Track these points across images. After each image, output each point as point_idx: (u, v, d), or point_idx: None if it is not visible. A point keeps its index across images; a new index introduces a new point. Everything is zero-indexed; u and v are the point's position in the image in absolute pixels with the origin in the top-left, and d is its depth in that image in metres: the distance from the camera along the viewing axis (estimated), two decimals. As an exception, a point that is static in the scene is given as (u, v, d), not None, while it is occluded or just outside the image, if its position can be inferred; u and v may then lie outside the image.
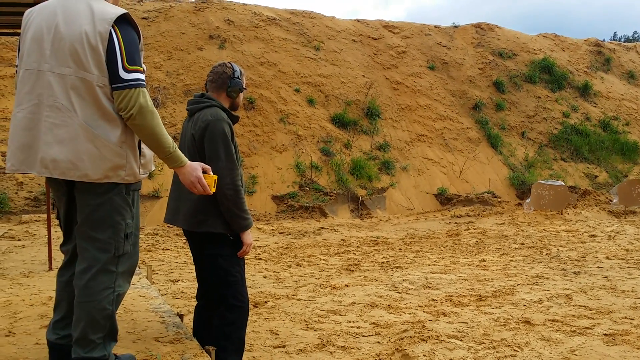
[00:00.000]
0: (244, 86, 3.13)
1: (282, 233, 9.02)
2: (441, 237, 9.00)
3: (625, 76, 19.15)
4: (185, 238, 3.74)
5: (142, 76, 2.34)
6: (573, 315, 4.81)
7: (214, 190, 2.61)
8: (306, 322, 4.56)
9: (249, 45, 14.17)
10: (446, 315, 4.77)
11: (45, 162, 2.30)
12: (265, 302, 5.12)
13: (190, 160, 2.54)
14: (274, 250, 7.79)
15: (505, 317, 4.71)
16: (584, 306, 5.11)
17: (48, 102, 2.30)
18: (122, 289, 2.45)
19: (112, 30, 2.28)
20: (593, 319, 4.71)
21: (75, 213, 2.45)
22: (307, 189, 11.04)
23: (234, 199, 2.88)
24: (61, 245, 2.59)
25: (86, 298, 2.36)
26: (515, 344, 4.10)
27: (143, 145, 2.44)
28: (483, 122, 14.47)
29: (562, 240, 8.68)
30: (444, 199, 11.66)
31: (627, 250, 7.95)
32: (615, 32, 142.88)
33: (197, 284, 3.28)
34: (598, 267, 6.81)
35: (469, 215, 10.71)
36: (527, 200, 11.11)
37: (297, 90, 13.42)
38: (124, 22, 2.33)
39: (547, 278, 6.16)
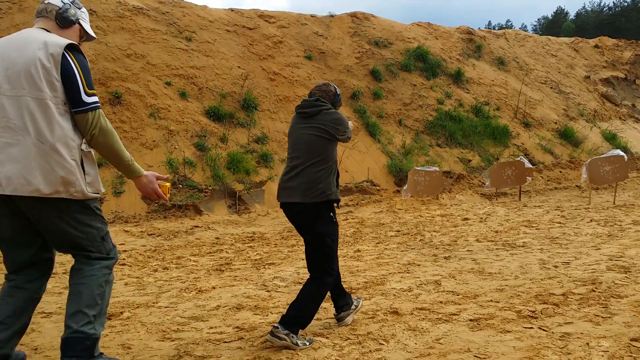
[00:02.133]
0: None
1: (151, 235, 8.57)
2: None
3: (495, 62, 20.18)
4: None
5: (97, 99, 2.69)
6: (441, 302, 4.85)
7: (168, 196, 2.97)
8: (164, 332, 4.26)
9: (113, 37, 13.41)
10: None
11: (0, 181, 2.49)
12: (121, 313, 4.75)
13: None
14: (140, 254, 7.35)
15: (374, 309, 4.66)
16: (452, 291, 5.18)
17: (1, 123, 2.52)
18: (111, 278, 2.86)
19: (66, 54, 2.58)
20: (460, 304, 4.77)
21: (20, 229, 2.70)
22: (181, 186, 10.60)
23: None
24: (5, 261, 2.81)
25: (82, 280, 2.71)
26: (381, 336, 4.04)
27: (86, 165, 2.69)
28: (361, 111, 14.64)
29: (436, 225, 8.90)
30: (324, 190, 11.66)
31: (496, 232, 8.28)
32: (489, 21, 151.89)
33: None
34: (468, 250, 7.02)
35: (347, 205, 10.77)
36: (404, 187, 11.35)
37: (168, 84, 12.89)
38: (74, 49, 2.66)
39: (419, 265, 6.23)
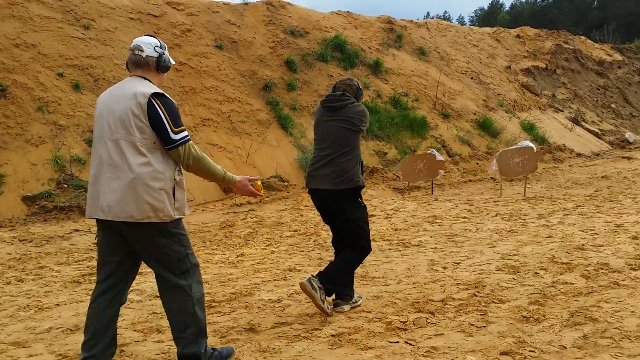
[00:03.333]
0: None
1: (23, 241, 7.83)
2: (212, 230, 8.43)
3: (416, 52, 20.07)
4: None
5: (186, 133, 3.18)
6: (307, 315, 4.45)
7: (263, 191, 3.58)
8: (-30, 365, 3.67)
9: (1, 25, 12.41)
10: (160, 332, 4.14)
11: (103, 208, 3.06)
12: None
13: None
14: (1, 264, 6.64)
15: (230, 326, 4.21)
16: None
17: (107, 161, 3.09)
18: (199, 293, 3.31)
19: (152, 101, 3.08)
20: (326, 318, 4.36)
21: (117, 251, 3.23)
22: (66, 186, 9.85)
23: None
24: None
25: (173, 305, 3.22)
26: None
27: (177, 192, 3.17)
28: (274, 103, 14.16)
29: (337, 224, 8.53)
30: (228, 187, 11.09)
31: (395, 229, 7.98)
32: (428, 12, 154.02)
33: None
34: (359, 251, 6.66)
35: (250, 203, 10.27)
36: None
37: (61, 75, 12.02)
38: (160, 95, 3.15)
39: (299, 270, 5.82)
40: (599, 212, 8.75)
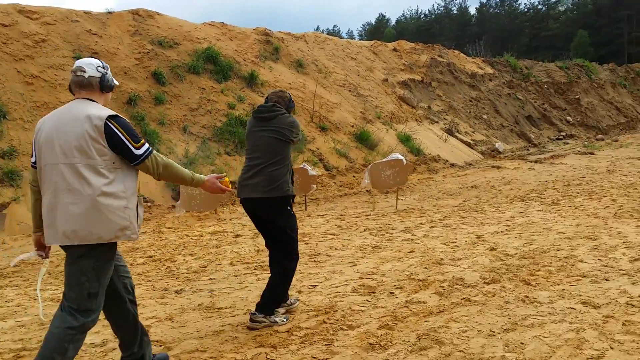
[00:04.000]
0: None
1: None
2: (56, 261, 7.66)
3: (294, 65, 19.96)
4: None
5: (147, 145, 3.31)
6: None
7: (230, 186, 3.82)
8: None
9: None
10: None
11: (66, 233, 3.11)
12: None
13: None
14: None
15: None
16: (157, 340, 4.31)
17: (63, 187, 3.13)
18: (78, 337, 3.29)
19: (108, 123, 3.15)
20: None
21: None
22: None
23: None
24: None
25: (53, 328, 3.23)
26: None
27: (139, 208, 3.35)
28: (139, 117, 13.43)
29: (197, 247, 8.06)
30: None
31: (257, 251, 7.63)
32: (318, 26, 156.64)
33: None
34: (212, 278, 6.25)
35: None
36: (178, 203, 10.38)
37: None
38: (114, 117, 3.22)
39: (138, 306, 5.29)
40: (463, 224, 8.86)
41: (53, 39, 14.27)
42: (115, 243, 3.29)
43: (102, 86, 3.37)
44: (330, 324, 4.57)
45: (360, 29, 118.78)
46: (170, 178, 3.47)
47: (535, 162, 18.48)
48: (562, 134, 27.12)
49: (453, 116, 23.39)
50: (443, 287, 5.47)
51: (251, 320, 4.53)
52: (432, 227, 8.78)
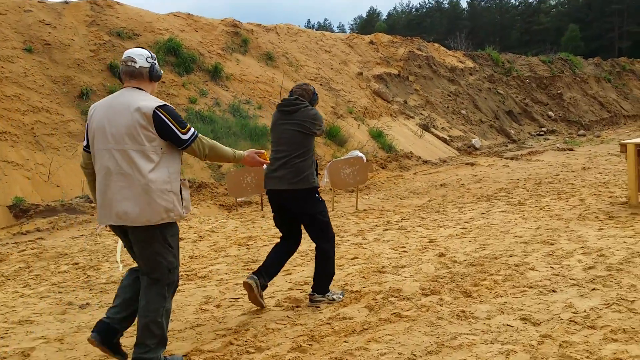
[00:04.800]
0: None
1: None
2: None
3: (263, 58, 19.47)
4: None
5: (193, 130, 3.61)
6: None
7: (268, 160, 4.24)
8: None
9: None
10: None
11: (119, 214, 3.39)
12: None
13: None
14: None
15: None
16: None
17: (116, 170, 3.40)
18: (169, 305, 3.66)
19: (157, 112, 3.41)
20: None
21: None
22: None
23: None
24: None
25: (145, 313, 3.50)
26: None
27: (184, 192, 3.60)
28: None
29: (130, 252, 7.57)
30: (20, 211, 9.74)
31: (192, 257, 7.17)
32: (309, 19, 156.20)
33: None
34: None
35: (39, 230, 9.04)
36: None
37: None
38: (162, 106, 3.48)
39: (31, 323, 4.81)
40: (419, 226, 8.45)
41: (3, 29, 13.69)
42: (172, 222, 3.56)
43: (152, 76, 3.62)
44: (237, 345, 4.12)
45: (352, 22, 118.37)
46: (216, 158, 3.79)
47: (512, 158, 18.13)
48: (543, 129, 26.82)
49: (430, 111, 23.00)
50: (376, 299, 5.04)
51: (310, 300, 4.92)
52: (387, 229, 8.36)
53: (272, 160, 4.73)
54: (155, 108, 3.43)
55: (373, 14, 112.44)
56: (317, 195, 4.86)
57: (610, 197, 9.64)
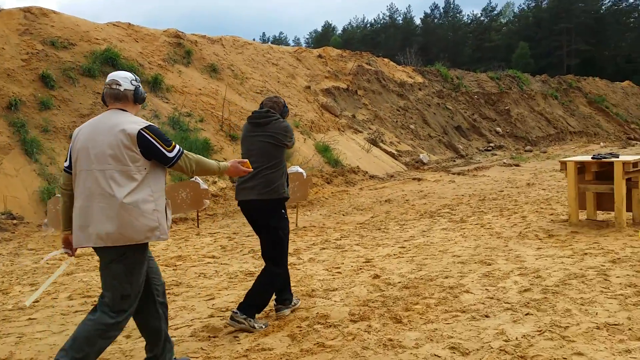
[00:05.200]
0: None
1: None
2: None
3: (207, 70, 19.09)
4: None
5: (178, 147, 3.63)
6: None
7: (251, 168, 4.10)
8: None
9: None
10: None
11: (100, 235, 3.36)
12: None
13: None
14: None
15: None
16: None
17: (97, 192, 3.40)
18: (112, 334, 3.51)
19: (142, 132, 3.43)
20: None
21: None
22: None
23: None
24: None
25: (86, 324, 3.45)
26: None
27: (167, 210, 3.62)
28: (18, 124, 12.27)
29: (48, 274, 7.07)
30: None
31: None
32: (264, 32, 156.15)
33: None
34: (31, 318, 5.30)
35: (-50, 251, 8.42)
36: (45, 221, 9.34)
37: None
38: (147, 126, 3.51)
39: None
40: (357, 244, 8.21)
41: None
42: (146, 245, 3.56)
43: (136, 98, 3.67)
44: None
45: (307, 36, 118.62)
46: (202, 172, 3.80)
47: (458, 174, 18.16)
48: (491, 145, 27.13)
49: (378, 126, 22.96)
50: (301, 327, 4.73)
51: (231, 318, 4.66)
52: (323, 248, 8.08)
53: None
54: (141, 129, 3.46)
55: (328, 28, 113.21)
56: (283, 210, 4.91)
57: (552, 214, 9.61)
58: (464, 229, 8.88)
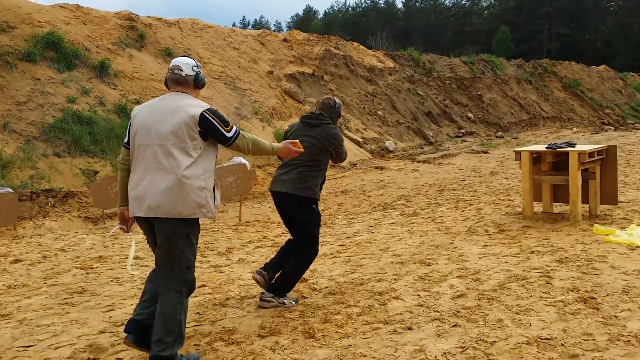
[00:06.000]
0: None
1: None
2: None
3: (161, 54, 18.35)
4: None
5: (236, 128, 3.86)
6: None
7: (302, 148, 4.28)
8: None
9: None
10: None
11: (151, 207, 3.57)
12: None
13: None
14: None
15: None
16: None
17: (154, 165, 3.63)
18: (186, 303, 3.81)
19: (204, 114, 3.67)
20: None
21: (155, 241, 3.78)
22: None
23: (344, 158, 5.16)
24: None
25: (163, 309, 3.63)
26: None
27: (216, 191, 3.83)
28: (-55, 113, 11.52)
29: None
30: None
31: (9, 287, 6.11)
32: (244, 16, 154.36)
33: None
34: None
35: None
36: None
37: None
38: (208, 108, 3.75)
39: None
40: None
41: None
42: (198, 220, 3.76)
43: (197, 83, 3.90)
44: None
45: (289, 20, 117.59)
46: (258, 151, 4.04)
47: (424, 162, 17.72)
48: (462, 131, 26.74)
49: (345, 112, 22.38)
50: (199, 345, 4.20)
51: (261, 299, 4.93)
52: (258, 247, 7.56)
53: (283, 164, 4.97)
54: (203, 111, 3.70)
55: (309, 12, 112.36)
56: (314, 205, 5.00)
57: (508, 206, 9.18)
58: (413, 223, 8.41)
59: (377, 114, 23.95)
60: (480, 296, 4.87)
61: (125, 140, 3.87)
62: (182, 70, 3.82)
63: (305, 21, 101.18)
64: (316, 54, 25.11)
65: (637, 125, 33.97)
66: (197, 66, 3.92)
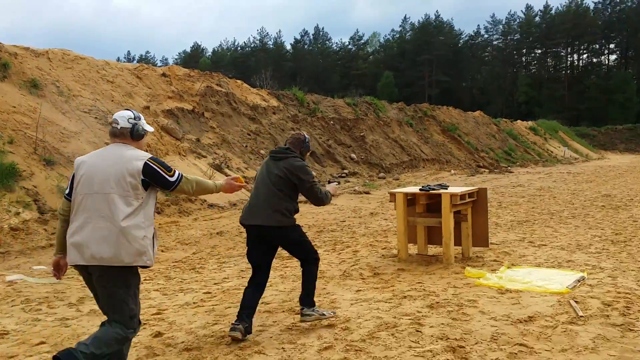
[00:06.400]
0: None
1: None
2: None
3: (26, 85, 17.16)
4: None
5: (178, 172, 4.03)
6: None
7: (244, 182, 4.56)
8: None
9: None
10: None
11: (94, 255, 3.64)
12: None
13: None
14: None
15: None
16: None
17: (95, 214, 3.69)
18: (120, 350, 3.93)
19: (147, 162, 3.83)
20: None
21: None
22: None
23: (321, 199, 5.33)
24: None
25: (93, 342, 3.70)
26: None
27: (155, 239, 3.88)
28: None
29: None
30: None
31: None
32: (129, 51, 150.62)
33: None
34: None
35: None
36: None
37: None
38: (151, 157, 3.91)
39: None
40: (157, 290, 7.15)
41: None
42: (137, 268, 3.86)
43: (133, 135, 3.98)
44: None
45: (176, 57, 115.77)
46: (202, 192, 4.28)
47: (305, 202, 17.53)
48: (345, 171, 27.01)
49: (226, 150, 21.97)
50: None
51: (302, 315, 5.17)
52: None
53: (253, 195, 5.18)
54: (147, 160, 3.84)
55: (197, 49, 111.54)
56: (295, 225, 5.20)
57: (384, 247, 9.10)
58: (286, 267, 8.09)
59: (259, 152, 23.69)
60: (348, 347, 4.59)
61: (67, 191, 3.94)
62: (117, 124, 3.94)
63: (193, 58, 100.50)
64: (197, 90, 24.60)
65: (509, 168, 35.91)
66: (134, 118, 4.00)
